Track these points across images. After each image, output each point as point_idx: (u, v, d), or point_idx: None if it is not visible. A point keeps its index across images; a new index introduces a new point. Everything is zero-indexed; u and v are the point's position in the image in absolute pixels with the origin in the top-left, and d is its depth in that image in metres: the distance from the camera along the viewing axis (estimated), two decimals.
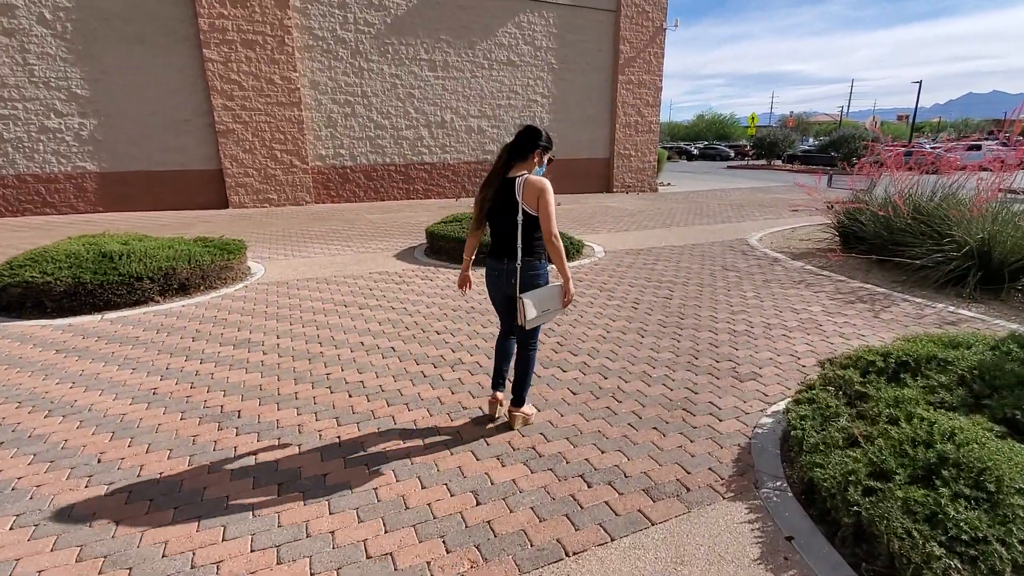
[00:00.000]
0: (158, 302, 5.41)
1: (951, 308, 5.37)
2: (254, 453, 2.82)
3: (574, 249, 7.37)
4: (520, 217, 2.71)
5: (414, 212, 12.52)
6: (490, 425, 3.13)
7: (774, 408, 3.32)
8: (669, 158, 30.73)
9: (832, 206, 13.67)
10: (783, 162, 34.67)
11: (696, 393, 3.52)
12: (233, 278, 6.15)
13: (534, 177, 2.73)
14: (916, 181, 7.83)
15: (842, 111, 79.96)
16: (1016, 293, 5.71)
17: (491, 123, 15.48)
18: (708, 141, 58.90)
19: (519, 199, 2.70)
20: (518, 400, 3.07)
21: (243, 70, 12.46)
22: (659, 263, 7.33)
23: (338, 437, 2.98)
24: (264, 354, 4.12)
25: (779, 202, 14.46)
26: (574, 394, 3.51)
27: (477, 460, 2.77)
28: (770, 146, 35.18)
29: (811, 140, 53.49)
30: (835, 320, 4.98)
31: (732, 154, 43.20)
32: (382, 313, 5.11)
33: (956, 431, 2.27)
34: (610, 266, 7.09)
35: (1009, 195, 6.57)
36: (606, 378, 3.74)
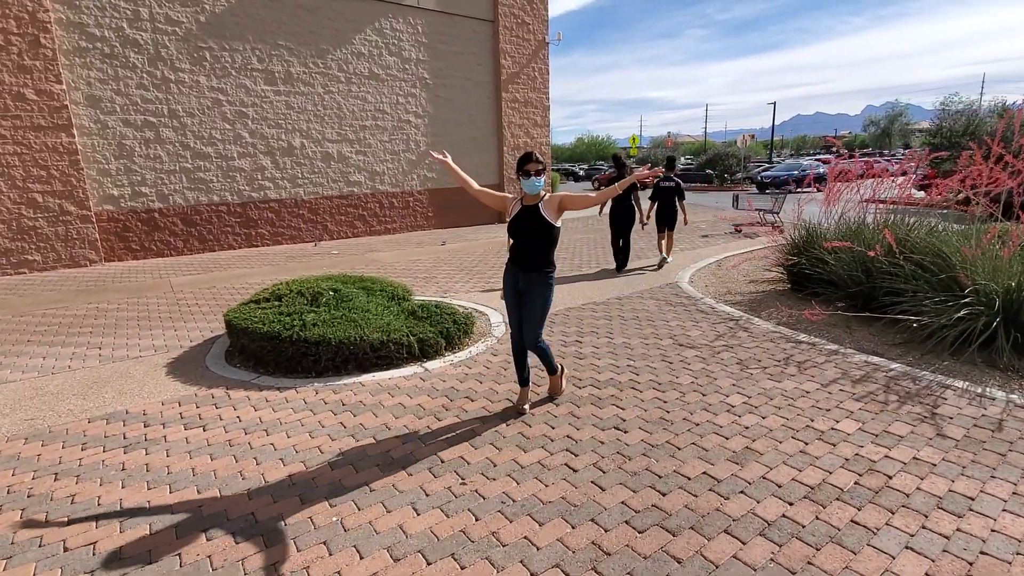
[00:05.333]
0: None
1: (1015, 397, 3.64)
2: None
3: (459, 331, 4.89)
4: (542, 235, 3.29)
5: (250, 267, 9.38)
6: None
7: None
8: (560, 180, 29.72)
9: (740, 229, 12.66)
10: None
11: None
12: None
13: (550, 197, 3.29)
14: (864, 207, 6.42)
15: (705, 132, 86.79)
16: None
17: (355, 148, 12.73)
18: (592, 162, 60.05)
19: (544, 216, 3.26)
20: (552, 370, 3.68)
21: None
22: (584, 338, 5.09)
23: None
24: None
25: (681, 226, 13.16)
26: None
27: None
28: (652, 167, 35.55)
29: (683, 159, 56.35)
30: (894, 455, 2.96)
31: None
32: None
33: None
34: None
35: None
36: None
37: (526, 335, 3.43)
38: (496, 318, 5.84)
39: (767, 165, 34.30)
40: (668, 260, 8.77)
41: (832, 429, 3.29)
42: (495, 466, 2.94)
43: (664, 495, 2.65)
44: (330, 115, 12.22)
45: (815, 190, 6.70)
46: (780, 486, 2.71)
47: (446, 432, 3.34)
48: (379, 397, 3.85)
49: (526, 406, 3.60)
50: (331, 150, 12.37)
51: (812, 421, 3.39)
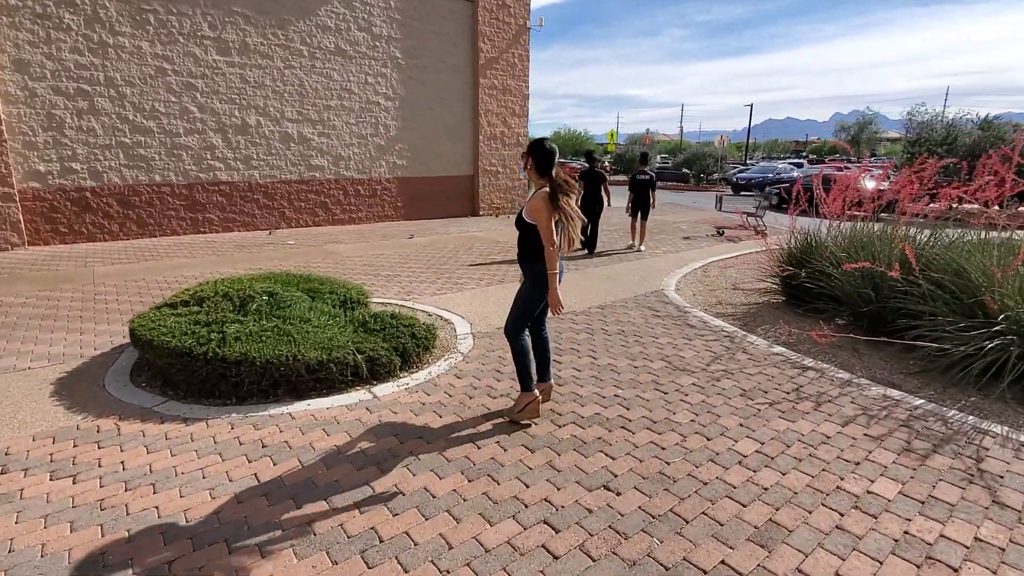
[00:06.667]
0: None
1: None
2: None
3: (417, 346, 4.15)
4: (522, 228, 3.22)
5: (192, 256, 8.41)
6: None
7: None
8: None
9: (722, 232, 12.20)
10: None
11: None
12: None
13: (535, 197, 3.08)
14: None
15: (681, 131, 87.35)
16: None
17: (317, 130, 11.75)
18: (569, 157, 59.58)
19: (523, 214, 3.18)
20: (521, 383, 3.33)
21: None
22: (563, 357, 4.42)
23: None
24: None
25: (664, 226, 12.65)
26: None
27: None
28: (629, 163, 35.25)
29: (659, 157, 56.28)
30: (951, 533, 2.37)
31: None
32: None
33: None
34: (483, 376, 4.00)
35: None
36: None
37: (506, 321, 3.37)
38: (463, 328, 5.12)
39: (742, 167, 34.27)
40: (642, 249, 9.60)
41: (868, 493, 2.68)
42: (450, 548, 2.24)
43: None
44: (290, 92, 11.21)
45: (802, 204, 6.18)
46: None
47: (391, 491, 2.61)
48: (311, 436, 3.09)
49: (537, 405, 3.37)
50: (291, 130, 11.38)
51: (842, 480, 2.79)
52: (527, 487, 2.66)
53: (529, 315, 3.28)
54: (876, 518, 2.50)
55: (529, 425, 3.27)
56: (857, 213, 5.91)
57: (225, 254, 8.66)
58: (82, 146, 9.21)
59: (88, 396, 3.58)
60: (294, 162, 11.54)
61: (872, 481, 2.79)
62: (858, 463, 2.95)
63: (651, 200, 9.67)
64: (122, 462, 2.81)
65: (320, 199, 12.05)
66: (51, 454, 2.88)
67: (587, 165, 9.65)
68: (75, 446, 2.96)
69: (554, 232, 3.05)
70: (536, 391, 3.33)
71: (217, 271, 7.27)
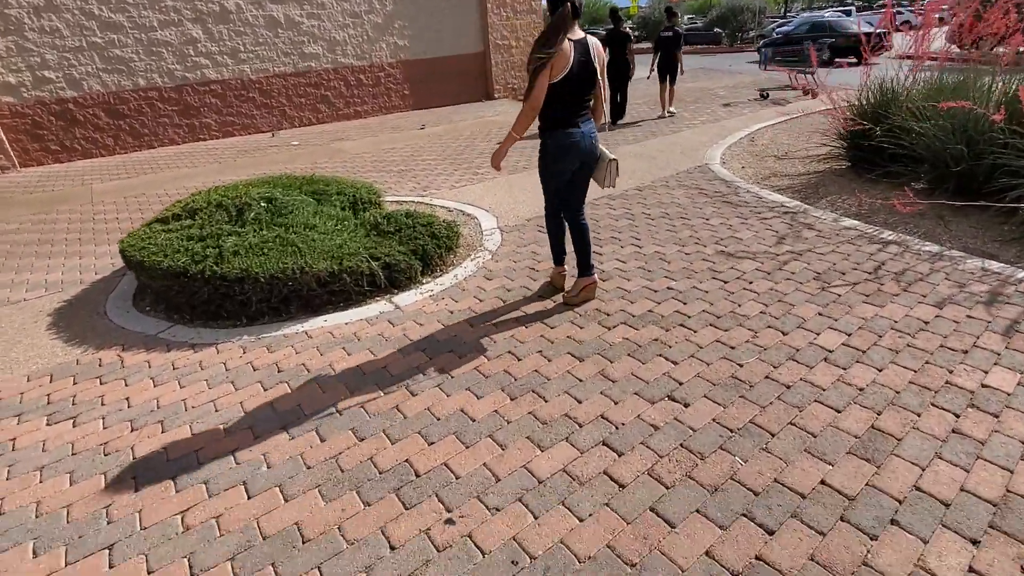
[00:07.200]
0: None
1: None
2: None
3: (439, 247, 3.68)
4: None
5: (193, 166, 7.87)
6: None
7: None
8: None
9: (766, 95, 10.91)
10: None
11: None
12: None
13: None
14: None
15: None
16: None
17: (305, 10, 10.47)
18: (586, 27, 54.39)
19: None
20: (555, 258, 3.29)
21: None
22: (604, 248, 3.91)
23: None
24: None
25: (700, 93, 11.36)
26: None
27: None
28: (655, 27, 31.89)
29: (685, 19, 50.94)
30: None
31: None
32: None
33: None
34: (516, 275, 3.56)
35: None
36: None
37: None
38: (488, 222, 4.61)
39: (782, 21, 30.68)
40: (673, 112, 9.11)
41: (983, 387, 2.26)
42: (497, 480, 1.93)
43: (772, 534, 1.66)
44: None
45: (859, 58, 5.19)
46: (948, 505, 1.72)
47: (424, 415, 2.29)
48: (330, 356, 2.76)
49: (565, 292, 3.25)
50: (276, 13, 10.15)
51: (951, 373, 2.35)
52: (579, 403, 2.30)
53: (554, 192, 3.01)
54: (998, 418, 2.09)
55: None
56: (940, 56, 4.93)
57: (227, 161, 8.09)
58: (50, 50, 8.36)
59: (88, 326, 3.29)
60: (286, 52, 10.44)
61: (986, 372, 2.35)
62: (966, 351, 2.50)
63: (678, 61, 8.87)
64: (127, 398, 2.54)
65: (320, 92, 11.06)
66: (48, 395, 2.63)
67: (611, 26, 8.58)
68: (75, 384, 2.70)
69: (542, 92, 2.62)
70: (564, 265, 3.29)
71: (220, 179, 6.76)
